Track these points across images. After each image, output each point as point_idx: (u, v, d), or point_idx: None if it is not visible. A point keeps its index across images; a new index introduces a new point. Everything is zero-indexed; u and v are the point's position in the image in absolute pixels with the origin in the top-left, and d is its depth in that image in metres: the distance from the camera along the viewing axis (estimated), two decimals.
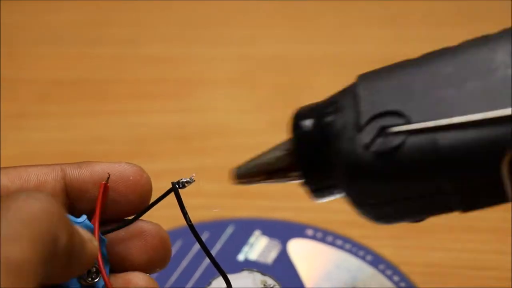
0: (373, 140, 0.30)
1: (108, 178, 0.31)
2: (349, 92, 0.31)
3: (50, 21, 0.62)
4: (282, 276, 0.41)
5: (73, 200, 0.31)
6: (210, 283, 0.41)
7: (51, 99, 0.55)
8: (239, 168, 0.34)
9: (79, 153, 0.50)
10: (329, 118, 0.31)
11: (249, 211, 0.45)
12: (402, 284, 0.41)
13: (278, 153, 0.33)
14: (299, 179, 0.32)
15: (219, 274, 0.30)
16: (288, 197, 0.46)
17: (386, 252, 0.43)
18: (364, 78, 0.32)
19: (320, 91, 0.55)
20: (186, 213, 0.31)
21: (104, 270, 0.30)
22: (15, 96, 0.55)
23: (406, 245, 0.44)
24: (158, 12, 0.63)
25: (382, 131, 0.29)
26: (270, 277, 0.41)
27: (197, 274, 0.42)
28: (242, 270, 0.41)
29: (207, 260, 0.42)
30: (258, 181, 0.33)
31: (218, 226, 0.44)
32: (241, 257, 0.42)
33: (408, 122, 0.29)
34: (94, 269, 0.30)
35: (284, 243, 0.43)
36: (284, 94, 0.55)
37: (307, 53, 0.59)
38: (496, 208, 0.46)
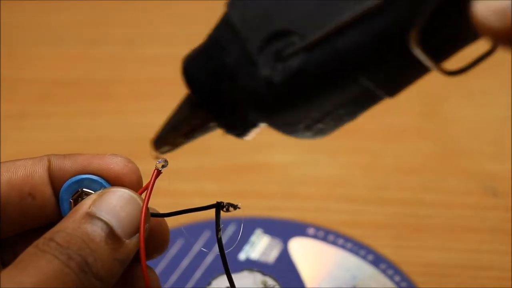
0: (273, 70, 0.28)
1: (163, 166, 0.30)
2: (226, 25, 0.29)
3: (50, 21, 0.62)
4: (283, 275, 0.41)
5: (56, 188, 0.31)
6: (210, 283, 0.41)
7: (51, 99, 0.55)
8: (155, 138, 0.33)
9: (79, 153, 0.50)
10: (218, 62, 0.29)
11: (250, 211, 0.45)
12: (403, 284, 0.41)
13: (185, 110, 0.32)
14: (216, 126, 0.31)
15: (219, 274, 0.30)
16: (289, 196, 0.46)
17: (387, 252, 0.43)
18: (234, 4, 0.29)
19: None
20: (219, 230, 0.30)
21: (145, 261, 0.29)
22: (15, 96, 0.55)
23: (406, 245, 0.44)
24: (158, 12, 0.63)
25: (279, 57, 0.27)
26: (270, 277, 0.41)
27: (198, 274, 0.42)
28: (243, 270, 0.41)
29: (207, 260, 0.42)
30: (180, 143, 0.32)
31: None
32: (242, 256, 0.42)
33: (301, 38, 0.27)
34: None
35: (285, 242, 0.43)
36: None
37: None
38: (496, 208, 0.46)
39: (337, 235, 0.44)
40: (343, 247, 0.43)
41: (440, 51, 0.27)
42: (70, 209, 0.30)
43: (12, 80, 0.57)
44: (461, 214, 0.45)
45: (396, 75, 0.27)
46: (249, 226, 0.43)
